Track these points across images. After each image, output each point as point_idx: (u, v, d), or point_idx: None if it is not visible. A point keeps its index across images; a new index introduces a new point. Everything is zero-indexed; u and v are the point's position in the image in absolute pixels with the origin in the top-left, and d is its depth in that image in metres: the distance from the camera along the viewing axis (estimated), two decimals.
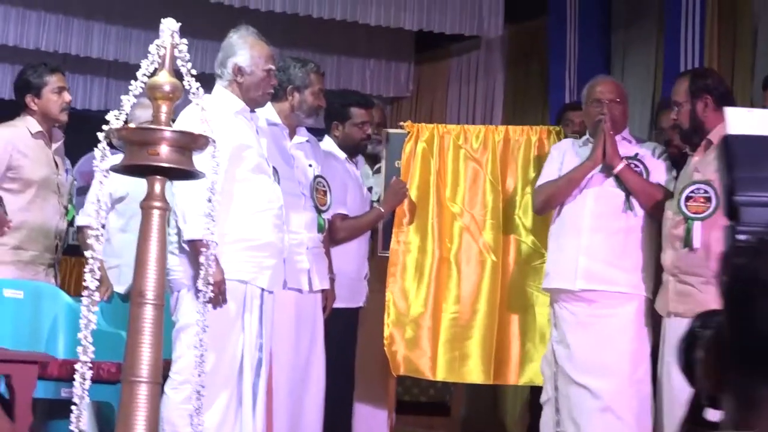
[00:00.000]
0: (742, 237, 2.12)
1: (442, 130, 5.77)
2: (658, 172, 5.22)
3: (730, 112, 2.58)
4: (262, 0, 7.93)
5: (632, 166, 5.19)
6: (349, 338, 5.65)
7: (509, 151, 5.67)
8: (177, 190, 4.36)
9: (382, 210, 5.64)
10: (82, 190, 6.84)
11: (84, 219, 5.78)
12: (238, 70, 4.77)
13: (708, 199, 4.76)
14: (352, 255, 5.65)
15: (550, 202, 5.31)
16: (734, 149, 1.76)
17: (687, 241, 4.78)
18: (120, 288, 5.65)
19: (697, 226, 4.76)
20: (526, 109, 8.63)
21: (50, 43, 8.83)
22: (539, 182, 5.36)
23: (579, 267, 5.18)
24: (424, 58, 9.93)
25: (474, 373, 5.61)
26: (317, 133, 5.60)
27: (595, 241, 5.19)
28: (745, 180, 1.67)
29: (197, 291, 3.75)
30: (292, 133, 5.25)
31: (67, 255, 6.48)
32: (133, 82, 3.43)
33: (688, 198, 4.79)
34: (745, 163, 1.70)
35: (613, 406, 5.10)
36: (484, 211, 5.64)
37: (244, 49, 4.80)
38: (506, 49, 9.00)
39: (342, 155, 5.74)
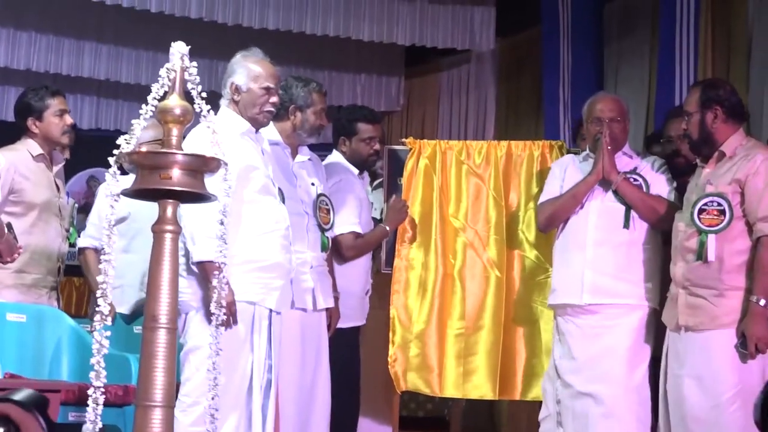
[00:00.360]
0: None
1: (444, 146, 5.78)
2: (659, 184, 5.25)
3: None
4: (255, 17, 7.95)
5: (631, 180, 5.22)
6: (355, 356, 5.65)
7: (512, 166, 5.68)
8: (185, 212, 4.35)
9: (387, 228, 5.64)
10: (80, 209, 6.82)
11: (86, 240, 5.76)
12: (235, 89, 4.78)
13: (722, 212, 4.75)
14: (359, 272, 5.65)
15: (553, 219, 5.32)
16: None
17: (701, 254, 4.77)
18: (122, 309, 5.63)
19: (711, 239, 4.75)
20: (519, 123, 8.66)
21: (41, 63, 8.83)
22: (541, 199, 5.37)
23: (585, 281, 5.20)
24: (414, 72, 9.95)
25: (480, 388, 5.61)
26: (320, 149, 5.59)
27: (600, 255, 5.21)
28: None
29: (209, 313, 3.75)
30: (293, 152, 5.25)
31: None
32: (143, 105, 3.43)
33: (701, 210, 4.78)
34: None
35: (616, 411, 5.13)
36: (488, 226, 5.65)
37: (242, 68, 4.81)
38: (497, 62, 9.03)
39: (355, 170, 5.74)
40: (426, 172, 5.69)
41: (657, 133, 5.85)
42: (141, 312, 5.41)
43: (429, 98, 9.80)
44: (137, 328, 5.27)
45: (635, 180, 5.22)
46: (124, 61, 8.90)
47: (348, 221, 5.50)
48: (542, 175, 5.60)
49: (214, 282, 3.60)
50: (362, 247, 5.59)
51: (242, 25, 7.96)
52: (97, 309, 3.36)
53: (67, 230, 5.51)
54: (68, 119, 5.48)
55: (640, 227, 5.21)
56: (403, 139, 5.92)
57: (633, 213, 5.21)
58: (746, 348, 4.65)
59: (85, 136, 8.18)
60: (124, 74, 8.85)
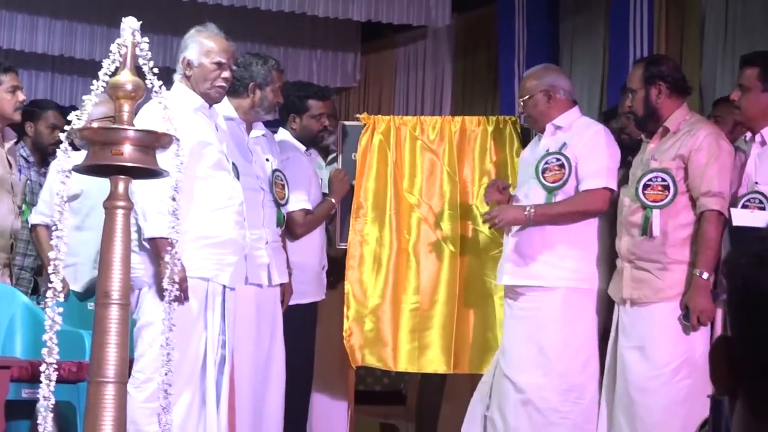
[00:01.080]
0: None
1: (399, 121, 5.78)
2: (586, 162, 5.12)
3: (735, 213, 2.67)
4: None
5: (554, 160, 5.15)
6: (310, 332, 5.67)
7: (466, 141, 5.69)
8: (137, 188, 4.34)
9: (333, 201, 5.65)
10: None
11: (37, 217, 5.73)
12: (187, 64, 4.78)
13: (666, 188, 4.81)
14: (314, 247, 5.67)
15: None
16: (737, 234, 1.91)
17: (645, 229, 4.82)
18: (76, 287, 5.61)
19: (656, 214, 4.80)
20: (475, 98, 8.68)
21: None
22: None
23: (506, 263, 5.24)
24: (370, 48, 9.94)
25: (434, 363, 5.64)
26: (268, 126, 5.59)
27: (521, 237, 5.19)
28: None
29: (161, 290, 3.76)
30: (248, 128, 5.25)
31: None
32: (94, 81, 3.42)
33: (645, 186, 4.83)
34: (746, 241, 1.86)
35: (534, 399, 5.10)
36: (442, 201, 5.66)
37: (194, 43, 4.81)
38: (453, 38, 9.03)
39: (302, 148, 5.74)
40: (380, 148, 5.69)
41: (613, 108, 5.89)
42: (95, 290, 5.40)
43: (385, 74, 9.80)
44: (91, 305, 5.24)
45: (557, 160, 5.16)
46: (78, 36, 8.83)
47: (298, 198, 5.50)
48: (496, 150, 5.63)
49: (166, 258, 3.61)
50: (312, 223, 5.61)
51: (197, 0, 7.91)
52: (49, 285, 3.36)
53: (20, 207, 5.48)
54: (20, 95, 5.44)
55: None
56: (358, 115, 5.92)
57: (556, 194, 5.16)
58: (689, 320, 4.73)
59: None
60: (78, 50, 8.78)
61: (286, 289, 5.30)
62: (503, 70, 7.88)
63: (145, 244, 4.54)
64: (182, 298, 4.44)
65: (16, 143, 5.88)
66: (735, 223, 2.13)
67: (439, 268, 5.62)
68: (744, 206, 4.65)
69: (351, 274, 5.61)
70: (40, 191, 5.83)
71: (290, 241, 5.52)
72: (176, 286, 3.61)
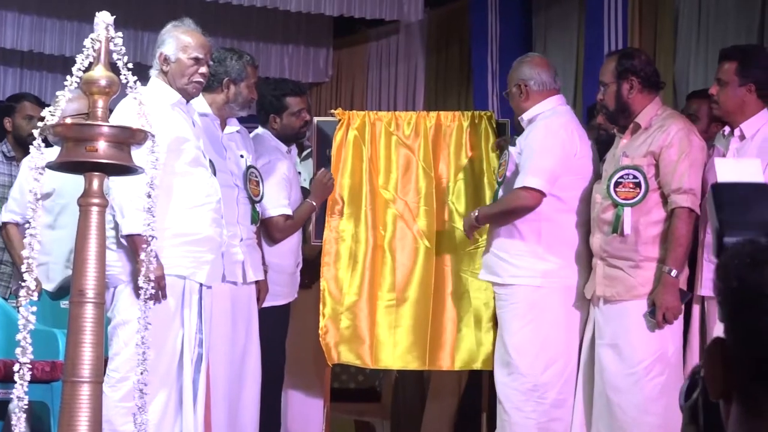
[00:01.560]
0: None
1: (374, 117, 5.74)
2: (522, 157, 5.10)
3: (718, 162, 2.68)
4: None
5: (506, 156, 5.20)
6: (283, 332, 5.64)
7: (441, 136, 5.65)
8: (114, 185, 4.30)
9: (314, 203, 5.60)
10: None
11: (7, 215, 5.67)
12: (164, 59, 4.76)
13: (637, 185, 4.79)
14: (289, 248, 5.63)
15: None
16: (723, 195, 1.82)
17: (616, 227, 4.80)
18: (48, 286, 5.54)
19: (627, 212, 4.79)
20: (448, 93, 8.65)
21: None
22: None
23: (484, 258, 5.29)
24: (342, 43, 9.89)
25: (410, 359, 5.62)
26: (243, 122, 5.55)
27: (493, 235, 5.23)
28: (731, 223, 1.73)
29: (137, 287, 3.71)
30: (222, 124, 5.21)
31: None
32: (68, 77, 3.37)
33: (617, 184, 4.81)
34: (732, 207, 1.77)
35: (501, 397, 5.14)
36: (418, 197, 5.63)
37: (171, 38, 4.78)
38: (426, 33, 9.00)
39: (284, 147, 5.69)
40: (355, 144, 5.65)
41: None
42: (68, 289, 5.34)
43: (358, 69, 9.76)
44: (64, 303, 5.20)
45: (509, 155, 5.18)
46: (48, 32, 8.75)
47: (278, 203, 5.46)
48: (472, 145, 5.60)
49: (142, 255, 3.57)
50: (292, 227, 5.57)
51: None
52: (22, 284, 3.31)
53: None
54: None
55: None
56: (332, 111, 5.88)
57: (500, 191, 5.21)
58: (655, 316, 4.71)
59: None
60: (47, 45, 8.70)
61: (261, 287, 5.27)
62: (476, 65, 7.86)
63: (123, 241, 4.50)
64: (159, 296, 4.40)
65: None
66: (720, 176, 2.05)
67: (414, 264, 5.60)
68: None
69: (326, 271, 5.57)
70: None
71: (268, 245, 5.48)
72: (152, 284, 3.57)
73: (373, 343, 5.57)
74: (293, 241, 5.68)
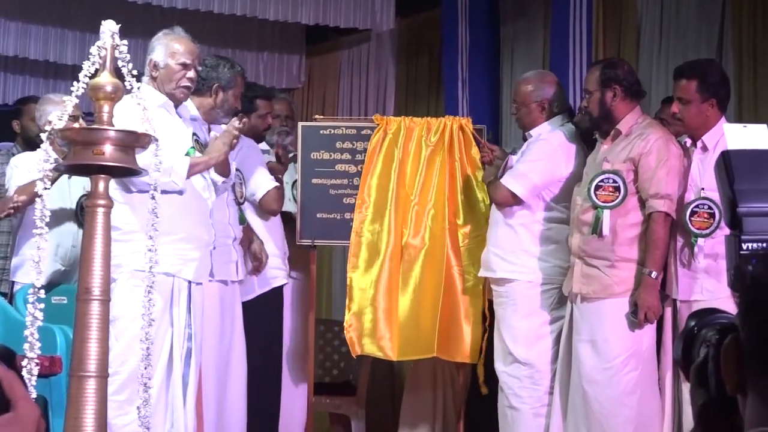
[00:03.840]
0: (746, 245, 2.17)
1: (409, 122, 5.87)
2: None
3: (727, 128, 2.66)
4: None
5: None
6: (280, 315, 5.73)
7: (459, 140, 5.78)
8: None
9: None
10: None
11: None
12: (154, 66, 4.78)
13: (617, 189, 4.87)
14: (277, 232, 5.70)
15: None
16: (734, 163, 1.81)
17: (595, 228, 4.88)
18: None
19: (606, 214, 4.87)
20: (418, 101, 8.67)
21: None
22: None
23: (482, 258, 5.44)
24: (315, 51, 9.89)
25: (428, 351, 5.67)
26: None
27: (492, 233, 5.40)
28: (746, 192, 1.73)
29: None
30: (208, 129, 5.23)
31: None
32: (75, 83, 3.40)
33: (597, 187, 4.89)
34: (745, 175, 1.76)
35: (502, 386, 5.31)
36: (437, 198, 5.73)
37: (161, 46, 4.81)
38: (397, 41, 9.03)
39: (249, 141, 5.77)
40: (389, 148, 5.79)
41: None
42: (56, 283, 5.35)
43: (329, 76, 9.76)
44: (55, 299, 5.18)
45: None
46: (32, 38, 8.69)
47: (266, 179, 5.57)
48: (472, 150, 5.77)
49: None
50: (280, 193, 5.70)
51: (151, 3, 7.83)
52: (32, 281, 3.33)
53: None
54: None
55: (528, 208, 5.31)
56: (316, 116, 5.96)
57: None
58: (637, 316, 4.79)
59: None
60: (32, 51, 8.64)
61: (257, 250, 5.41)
62: (447, 74, 7.89)
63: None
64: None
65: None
66: (730, 144, 2.01)
67: (429, 262, 5.67)
68: (693, 212, 4.70)
69: (352, 267, 5.68)
70: None
71: (265, 220, 5.60)
72: (152, 275, 3.59)
73: (393, 337, 5.64)
74: (279, 226, 5.79)
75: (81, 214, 5.08)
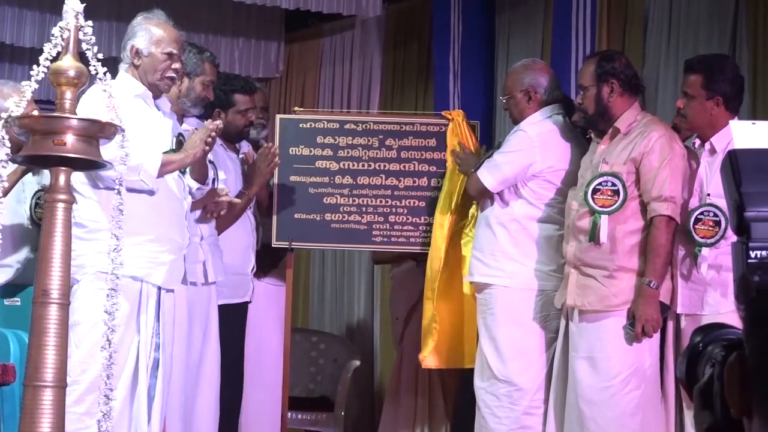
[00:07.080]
0: (753, 253, 2.13)
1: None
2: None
3: (734, 125, 2.61)
4: None
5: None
6: (237, 334, 5.64)
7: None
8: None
9: (249, 196, 5.68)
10: None
11: None
12: (136, 53, 4.72)
13: (615, 192, 4.83)
14: (237, 248, 5.62)
15: None
16: (742, 163, 1.77)
17: (593, 235, 4.84)
18: None
19: (604, 220, 4.82)
20: (405, 92, 8.66)
21: None
22: None
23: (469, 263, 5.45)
24: (294, 37, 9.84)
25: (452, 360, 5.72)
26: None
27: (475, 233, 5.43)
28: (754, 195, 1.69)
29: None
30: (180, 121, 5.19)
31: None
32: (35, 66, 3.36)
33: (595, 191, 4.85)
34: (753, 177, 1.72)
35: (479, 402, 5.30)
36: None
37: (143, 31, 4.74)
38: (384, 29, 9.00)
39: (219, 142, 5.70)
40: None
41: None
42: (9, 283, 5.31)
43: (310, 65, 9.72)
44: (7, 301, 5.14)
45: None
46: (8, 21, 8.61)
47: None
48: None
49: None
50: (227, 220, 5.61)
51: None
52: None
53: None
54: None
55: (503, 207, 5.31)
56: (295, 108, 5.93)
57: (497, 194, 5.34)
58: (634, 328, 4.75)
59: None
60: (8, 36, 8.55)
61: None
62: (438, 66, 7.86)
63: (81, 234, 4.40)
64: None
65: None
66: (737, 143, 1.98)
67: (453, 267, 5.70)
68: (697, 219, 4.69)
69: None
70: None
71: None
72: (116, 277, 3.54)
73: (459, 346, 5.69)
74: (244, 243, 5.68)
75: (35, 212, 5.02)
